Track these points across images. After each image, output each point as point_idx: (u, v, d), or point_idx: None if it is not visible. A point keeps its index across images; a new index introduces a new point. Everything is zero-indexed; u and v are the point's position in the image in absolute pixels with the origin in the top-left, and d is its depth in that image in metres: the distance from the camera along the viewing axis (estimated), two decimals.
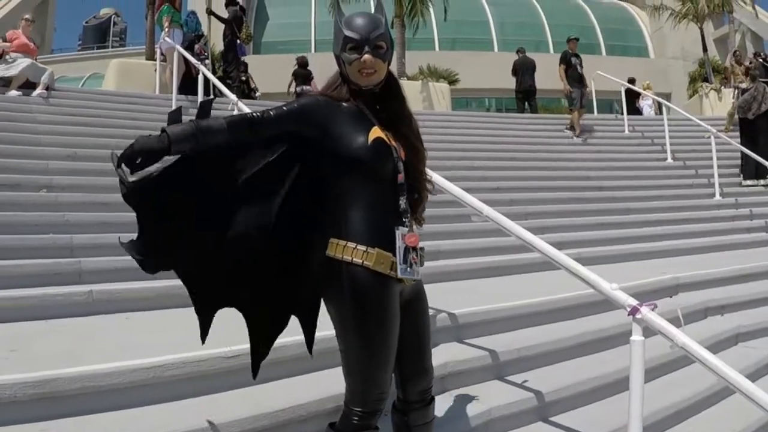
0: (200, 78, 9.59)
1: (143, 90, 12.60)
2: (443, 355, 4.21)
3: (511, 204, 9.50)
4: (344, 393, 2.68)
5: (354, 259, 2.51)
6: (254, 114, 2.60)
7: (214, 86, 10.01)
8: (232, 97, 8.31)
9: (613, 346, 4.95)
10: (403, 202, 2.62)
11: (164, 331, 4.38)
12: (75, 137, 8.53)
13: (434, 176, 4.27)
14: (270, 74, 25.32)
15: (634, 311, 3.14)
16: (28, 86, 9.88)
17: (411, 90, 16.01)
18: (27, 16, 11.33)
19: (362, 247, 2.51)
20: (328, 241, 2.58)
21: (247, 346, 2.91)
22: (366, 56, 2.56)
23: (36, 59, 10.52)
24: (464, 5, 32.09)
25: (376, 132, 2.61)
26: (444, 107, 16.97)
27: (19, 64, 10.00)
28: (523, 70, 16.85)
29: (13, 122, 8.74)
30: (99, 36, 27.92)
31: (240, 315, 2.80)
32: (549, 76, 16.40)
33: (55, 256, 5.60)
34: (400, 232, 2.58)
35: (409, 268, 2.57)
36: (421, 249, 2.64)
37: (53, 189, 6.97)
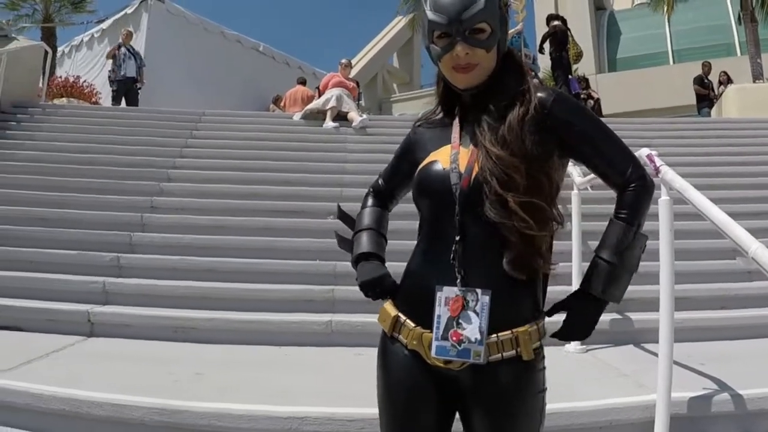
0: None
1: None
2: None
3: None
4: None
5: (384, 329, 1.81)
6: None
7: None
8: None
9: None
10: (454, 248, 1.70)
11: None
12: (378, 164, 8.54)
13: (691, 194, 3.23)
14: (624, 92, 24.05)
15: None
16: (342, 118, 10.28)
17: (762, 95, 13.70)
18: (343, 61, 11.99)
19: (399, 314, 1.79)
20: None
21: None
22: (458, 47, 1.73)
23: (356, 98, 11.00)
24: None
25: (438, 154, 1.80)
26: None
27: (329, 96, 10.45)
28: None
29: (324, 152, 9.15)
30: None
31: None
32: None
33: (316, 282, 5.48)
34: (443, 294, 1.69)
35: (451, 347, 1.66)
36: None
37: None
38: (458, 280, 1.68)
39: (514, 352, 1.67)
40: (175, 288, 5.30)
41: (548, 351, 4.99)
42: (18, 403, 3.29)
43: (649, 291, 5.06)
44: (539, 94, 1.75)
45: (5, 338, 4.58)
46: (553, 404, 3.26)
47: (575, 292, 1.76)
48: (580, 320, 1.75)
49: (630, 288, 5.35)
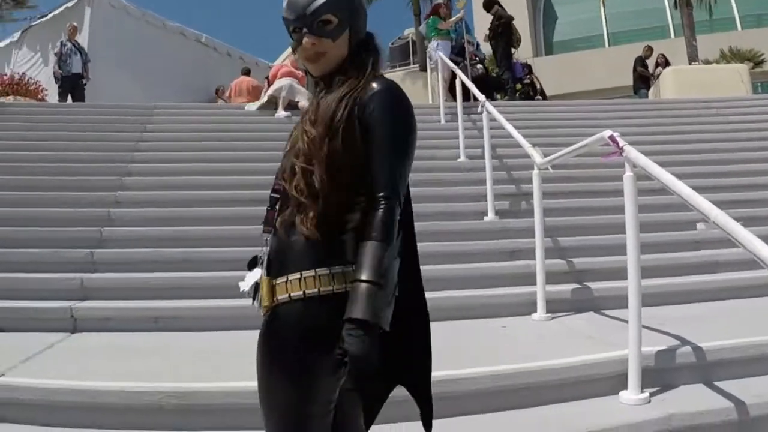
0: (458, 82, 9.32)
1: (418, 100, 12.70)
2: (687, 403, 3.40)
3: None
4: None
5: None
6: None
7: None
8: (481, 97, 7.84)
9: None
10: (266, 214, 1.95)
11: None
12: None
13: (654, 170, 3.46)
14: (561, 75, 24.53)
15: None
16: (294, 107, 10.37)
17: (698, 77, 14.33)
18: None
19: None
20: None
21: None
22: (305, 39, 1.91)
23: (305, 86, 11.10)
24: None
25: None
26: (743, 92, 14.10)
27: (280, 87, 10.58)
28: None
29: (279, 141, 9.11)
30: (404, 55, 29.59)
31: None
32: None
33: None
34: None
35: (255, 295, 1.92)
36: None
37: None
38: (266, 240, 1.90)
39: (287, 295, 1.76)
40: (149, 279, 5.38)
41: (515, 320, 5.29)
42: (24, 399, 3.32)
43: (606, 261, 5.42)
44: (372, 84, 1.84)
45: None
46: (533, 363, 3.53)
47: (344, 324, 1.64)
48: (357, 350, 1.61)
49: (589, 259, 5.73)
